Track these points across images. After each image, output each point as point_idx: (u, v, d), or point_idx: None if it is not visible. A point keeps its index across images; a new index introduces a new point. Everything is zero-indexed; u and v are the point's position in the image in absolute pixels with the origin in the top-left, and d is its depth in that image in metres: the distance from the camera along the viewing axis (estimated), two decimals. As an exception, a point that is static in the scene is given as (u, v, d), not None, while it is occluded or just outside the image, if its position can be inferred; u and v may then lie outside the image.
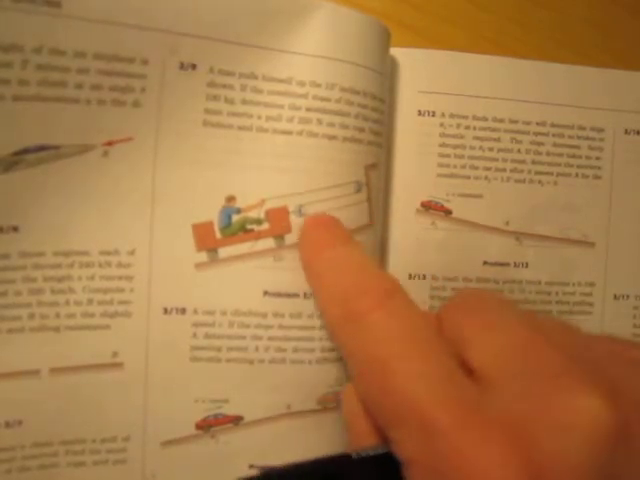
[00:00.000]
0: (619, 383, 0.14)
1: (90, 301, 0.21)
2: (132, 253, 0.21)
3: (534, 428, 0.13)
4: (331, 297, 0.18)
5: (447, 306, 0.18)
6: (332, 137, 0.22)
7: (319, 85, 0.22)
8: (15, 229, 0.20)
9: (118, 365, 0.21)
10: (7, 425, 0.20)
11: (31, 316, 0.20)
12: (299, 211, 0.22)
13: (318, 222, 0.21)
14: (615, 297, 0.29)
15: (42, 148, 0.19)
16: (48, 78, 0.19)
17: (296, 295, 0.22)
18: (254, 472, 0.21)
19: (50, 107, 0.19)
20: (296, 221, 0.22)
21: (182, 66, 0.21)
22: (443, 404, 0.14)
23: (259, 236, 0.22)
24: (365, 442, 0.17)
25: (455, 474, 0.13)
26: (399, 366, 0.15)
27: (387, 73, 0.25)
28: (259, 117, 0.22)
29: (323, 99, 0.22)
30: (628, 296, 0.29)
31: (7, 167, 0.19)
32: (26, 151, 0.19)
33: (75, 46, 0.19)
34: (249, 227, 0.22)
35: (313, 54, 0.22)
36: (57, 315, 0.21)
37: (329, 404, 0.23)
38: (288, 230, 0.22)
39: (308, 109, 0.22)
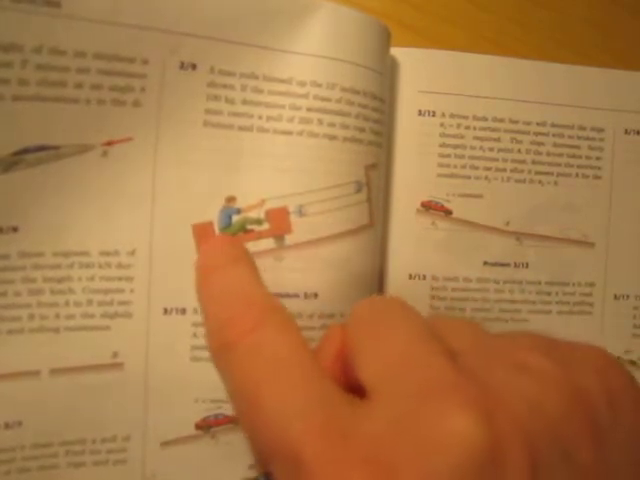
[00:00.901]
0: (505, 396, 0.13)
1: (90, 302, 0.21)
2: (132, 254, 0.21)
3: (398, 454, 0.12)
4: (208, 327, 0.16)
5: (350, 317, 0.17)
6: (332, 137, 0.22)
7: (320, 85, 0.22)
8: (15, 229, 0.20)
9: (118, 365, 0.21)
10: (7, 426, 0.20)
11: (31, 317, 0.20)
12: (299, 211, 0.22)
13: (213, 242, 0.20)
14: (615, 297, 0.29)
15: (42, 148, 0.19)
16: (48, 78, 0.19)
17: (296, 295, 0.22)
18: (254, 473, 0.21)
19: (50, 107, 0.19)
20: (296, 221, 0.22)
21: (182, 66, 0.21)
22: (308, 433, 0.13)
23: (259, 236, 0.22)
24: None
25: None
26: (266, 396, 0.14)
27: (387, 73, 0.25)
28: (260, 117, 0.22)
29: (324, 99, 0.22)
30: (628, 296, 0.29)
31: (7, 167, 0.19)
32: (26, 151, 0.19)
33: (75, 46, 0.19)
34: (249, 227, 0.22)
35: (314, 54, 0.22)
36: (57, 316, 0.20)
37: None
38: (288, 230, 0.22)
39: (309, 109, 0.22)
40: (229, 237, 0.21)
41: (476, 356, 0.15)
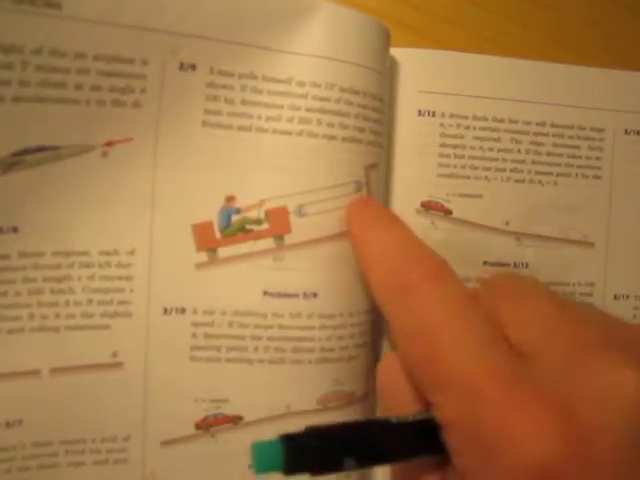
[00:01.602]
0: None
1: (90, 301, 0.21)
2: (132, 253, 0.21)
3: (573, 399, 0.14)
4: (382, 272, 0.19)
5: (484, 287, 0.19)
6: (332, 137, 0.22)
7: (319, 85, 0.22)
8: (15, 230, 0.20)
9: (118, 365, 0.22)
10: (7, 425, 0.21)
11: (31, 316, 0.20)
12: (299, 211, 0.22)
13: (365, 202, 0.22)
14: (615, 297, 0.29)
15: (42, 149, 0.19)
16: (48, 79, 0.19)
17: (296, 295, 0.22)
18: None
19: (50, 108, 0.19)
20: (296, 221, 0.22)
21: (182, 67, 0.21)
22: (487, 371, 0.15)
23: (259, 236, 0.22)
24: (403, 412, 0.18)
25: (494, 437, 0.14)
26: (446, 333, 0.16)
27: (387, 73, 0.25)
28: (259, 117, 0.22)
29: (323, 99, 0.22)
30: (628, 296, 0.29)
31: (7, 168, 0.19)
32: (26, 152, 0.19)
33: (75, 47, 0.19)
34: (249, 227, 0.22)
35: (312, 54, 0.22)
36: (57, 315, 0.21)
37: (329, 404, 0.23)
38: (288, 230, 0.22)
39: (308, 109, 0.22)
40: (375, 202, 0.23)
41: (618, 330, 0.16)
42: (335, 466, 0.17)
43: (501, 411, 0.14)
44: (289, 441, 0.16)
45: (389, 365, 0.19)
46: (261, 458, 0.16)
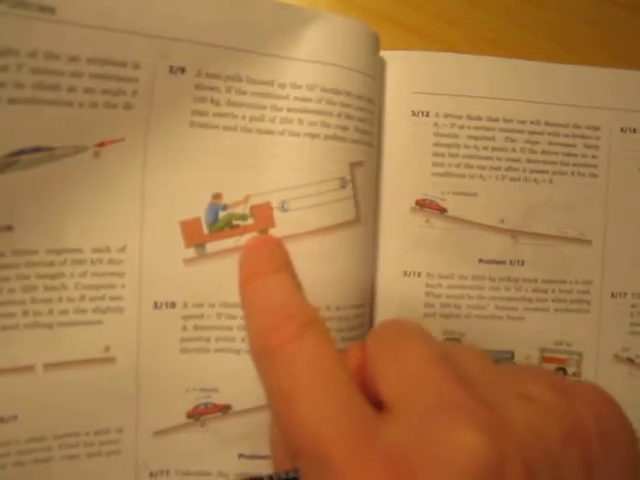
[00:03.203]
0: (510, 421, 0.14)
1: (82, 297, 0.22)
2: (123, 250, 0.22)
3: (416, 461, 0.14)
4: (251, 330, 0.18)
5: (369, 337, 0.19)
6: (314, 136, 0.23)
7: (299, 87, 0.23)
8: (9, 228, 0.21)
9: (111, 360, 0.22)
10: (2, 420, 0.21)
11: (25, 313, 0.21)
12: (282, 207, 0.23)
13: (258, 244, 0.22)
14: (612, 295, 0.29)
15: (37, 149, 0.20)
16: (43, 81, 0.20)
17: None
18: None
19: (44, 110, 0.20)
20: (280, 216, 0.23)
21: (172, 70, 0.22)
22: (337, 437, 0.15)
23: (244, 231, 0.23)
24: (281, 468, 0.18)
25: None
26: (302, 400, 0.16)
27: (375, 74, 0.26)
28: (243, 118, 0.23)
29: (304, 100, 0.23)
30: (625, 294, 0.29)
31: (2, 168, 0.20)
32: (21, 152, 0.20)
33: (69, 51, 0.20)
34: (235, 223, 0.23)
35: (298, 58, 0.23)
36: (50, 312, 0.22)
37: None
38: (272, 224, 0.23)
39: (289, 109, 0.23)
40: (275, 240, 0.22)
41: (484, 382, 0.16)
42: None
43: (345, 478, 0.14)
44: None
45: (271, 421, 0.20)
46: None
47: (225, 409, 0.24)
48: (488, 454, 0.13)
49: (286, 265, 0.20)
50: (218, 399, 0.23)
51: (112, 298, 0.22)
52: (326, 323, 0.23)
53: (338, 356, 0.17)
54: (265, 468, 0.24)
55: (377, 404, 0.16)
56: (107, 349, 0.22)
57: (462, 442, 0.14)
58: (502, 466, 0.13)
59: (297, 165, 0.23)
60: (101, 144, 0.21)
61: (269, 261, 0.20)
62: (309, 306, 0.19)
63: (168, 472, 0.24)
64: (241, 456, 0.24)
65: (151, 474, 0.23)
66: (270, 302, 0.19)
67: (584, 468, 0.15)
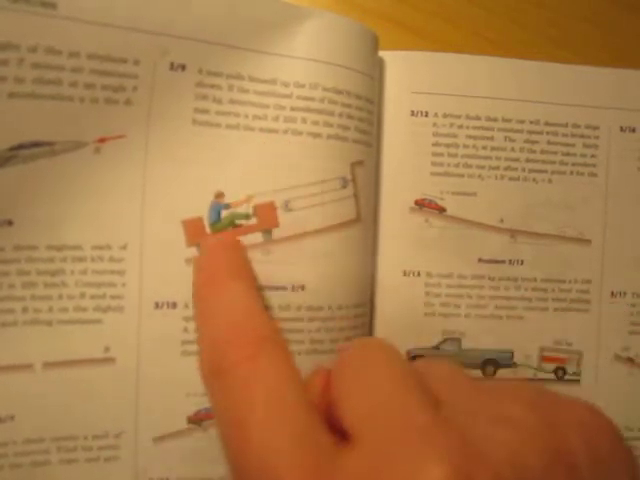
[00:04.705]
0: (483, 448, 0.13)
1: (82, 295, 0.22)
2: (124, 248, 0.22)
3: None
4: (202, 347, 0.17)
5: (338, 357, 0.18)
6: (316, 135, 0.24)
7: (302, 85, 0.24)
8: (10, 223, 0.21)
9: (110, 360, 0.22)
10: (0, 420, 0.21)
11: (25, 309, 0.21)
12: (286, 206, 0.23)
13: (219, 245, 0.21)
14: (612, 294, 0.30)
15: (36, 144, 0.21)
16: (43, 76, 0.20)
17: (284, 288, 0.23)
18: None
19: (45, 104, 0.20)
20: (283, 216, 0.23)
21: (172, 67, 0.22)
22: (290, 469, 0.14)
23: (247, 231, 0.23)
24: None
25: None
26: (255, 428, 0.15)
27: (374, 74, 0.26)
28: (246, 116, 0.23)
29: (307, 99, 0.24)
30: (625, 293, 0.30)
31: (2, 162, 0.20)
32: (21, 147, 0.20)
33: (70, 46, 0.20)
34: (238, 222, 0.23)
35: (297, 56, 0.24)
36: (50, 309, 0.22)
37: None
38: (275, 224, 0.24)
39: (292, 108, 0.23)
40: (236, 243, 0.21)
41: (458, 406, 0.15)
42: None
43: None
44: None
45: None
46: None
47: None
48: None
49: (247, 273, 0.19)
50: None
51: (112, 297, 0.22)
52: (329, 322, 0.24)
53: (296, 380, 0.16)
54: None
55: (342, 432, 0.15)
56: (107, 349, 0.22)
57: (427, 475, 0.12)
58: None
59: (300, 164, 0.24)
60: (102, 140, 0.21)
61: (228, 266, 0.19)
62: (268, 321, 0.17)
63: (168, 479, 0.23)
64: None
65: None
66: (226, 313, 0.18)
67: None
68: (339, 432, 0.15)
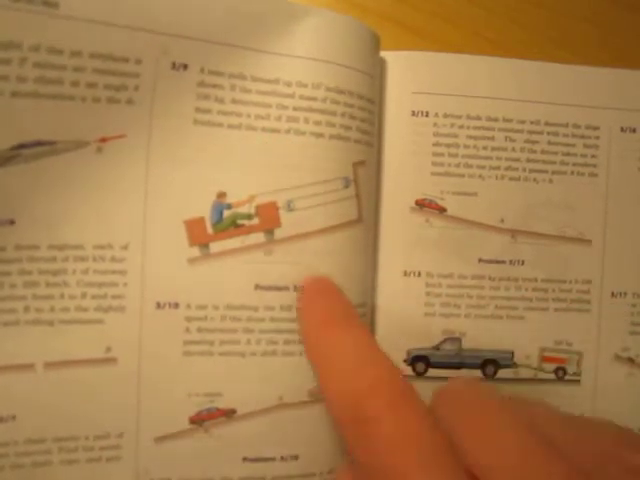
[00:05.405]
0: None
1: (84, 295, 0.22)
2: (125, 248, 0.22)
3: None
4: (331, 388, 0.18)
5: (441, 397, 0.18)
6: (319, 135, 0.24)
7: (305, 85, 0.24)
8: (11, 222, 0.21)
9: (112, 360, 0.22)
10: (1, 420, 0.21)
11: (26, 309, 0.21)
12: (288, 206, 0.24)
13: (317, 289, 0.21)
14: (613, 294, 0.30)
15: (38, 143, 0.21)
16: (45, 76, 0.20)
17: (286, 288, 0.23)
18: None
19: (47, 104, 0.20)
20: (285, 216, 0.24)
21: (174, 66, 0.22)
22: None
23: (249, 231, 0.23)
24: None
25: None
26: (415, 476, 0.15)
27: (376, 74, 0.27)
28: (248, 116, 0.23)
29: (309, 98, 0.24)
30: (625, 293, 0.30)
31: (4, 161, 0.20)
32: (23, 146, 0.20)
33: (72, 45, 0.20)
34: (240, 222, 0.23)
35: (299, 56, 0.24)
36: (52, 309, 0.22)
37: (320, 395, 0.24)
38: (277, 224, 0.24)
39: (295, 108, 0.23)
40: (332, 285, 0.21)
41: (584, 456, 0.15)
42: None
43: None
44: None
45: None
46: None
47: (230, 413, 0.24)
48: None
49: (354, 315, 0.20)
50: (222, 403, 0.23)
51: (114, 296, 0.22)
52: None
53: (438, 427, 0.16)
54: (269, 470, 0.24)
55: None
56: (108, 349, 0.22)
57: None
58: None
59: (302, 164, 0.24)
60: (103, 139, 0.22)
61: (337, 309, 0.20)
62: (396, 370, 0.18)
63: None
64: (245, 459, 0.24)
65: None
66: (354, 361, 0.18)
67: None
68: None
